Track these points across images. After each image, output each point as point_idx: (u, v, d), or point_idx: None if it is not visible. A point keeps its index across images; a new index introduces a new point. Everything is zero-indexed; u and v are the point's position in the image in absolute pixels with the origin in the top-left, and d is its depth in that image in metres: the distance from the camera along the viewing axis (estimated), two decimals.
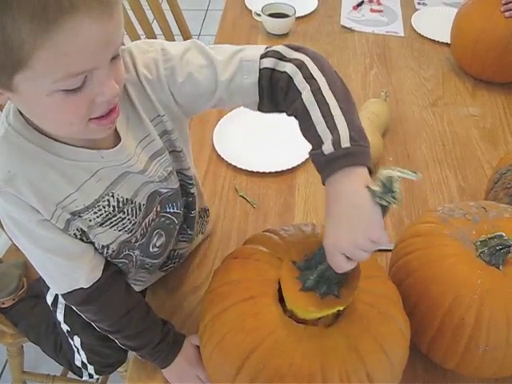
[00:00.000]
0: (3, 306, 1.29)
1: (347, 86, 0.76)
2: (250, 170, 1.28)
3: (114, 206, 0.80)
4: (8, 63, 0.57)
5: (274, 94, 0.77)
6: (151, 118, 0.80)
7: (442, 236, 0.86)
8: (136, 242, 0.89)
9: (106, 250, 0.84)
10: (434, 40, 1.75)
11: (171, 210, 0.93)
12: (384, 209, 0.67)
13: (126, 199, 0.82)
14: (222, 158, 1.30)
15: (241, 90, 0.78)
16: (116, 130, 0.75)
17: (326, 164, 0.70)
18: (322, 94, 0.72)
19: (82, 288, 0.82)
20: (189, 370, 0.91)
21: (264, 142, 1.37)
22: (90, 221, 0.79)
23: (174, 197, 0.91)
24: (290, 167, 1.28)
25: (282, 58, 0.76)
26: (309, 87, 0.73)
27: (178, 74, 0.77)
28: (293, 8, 1.71)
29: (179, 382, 0.91)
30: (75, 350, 1.18)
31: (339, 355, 0.70)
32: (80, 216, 0.77)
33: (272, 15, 1.73)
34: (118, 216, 0.82)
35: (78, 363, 1.21)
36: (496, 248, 0.82)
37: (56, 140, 0.72)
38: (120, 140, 0.76)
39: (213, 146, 1.34)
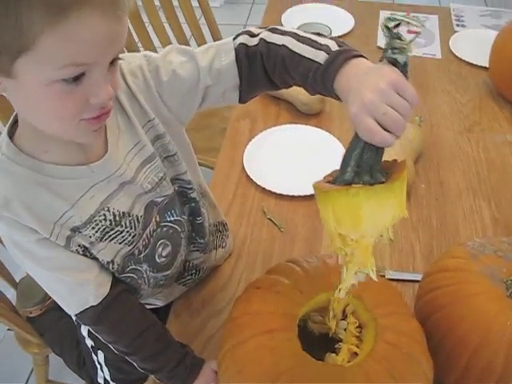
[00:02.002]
0: (30, 316, 1.30)
1: None
2: (278, 192, 1.27)
3: (110, 220, 0.82)
4: (14, 46, 0.58)
5: (254, 65, 0.80)
6: (142, 123, 0.82)
7: (471, 273, 0.84)
8: (140, 254, 0.90)
9: (111, 265, 0.86)
10: (472, 63, 1.71)
11: (171, 218, 0.93)
12: (398, 66, 0.66)
13: (123, 212, 0.83)
14: (252, 180, 1.30)
15: (221, 72, 0.81)
16: (106, 140, 0.78)
17: (326, 69, 0.72)
18: (301, 35, 0.77)
19: (92, 306, 0.83)
20: None
21: (294, 164, 1.36)
22: (90, 237, 0.81)
23: (171, 204, 0.91)
24: None
25: (252, 34, 0.81)
26: (286, 37, 0.77)
27: (163, 74, 0.80)
28: (328, 28, 1.70)
29: None
30: (98, 366, 1.18)
31: None
32: (80, 232, 0.79)
33: None
34: (115, 229, 0.83)
35: (101, 380, 1.21)
36: None
37: (47, 162, 0.74)
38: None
39: (243, 166, 1.33)
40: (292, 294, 0.77)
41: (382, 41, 1.80)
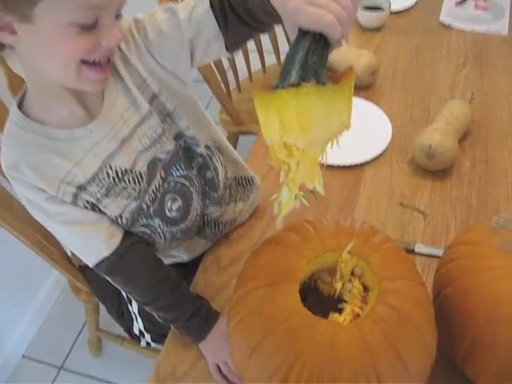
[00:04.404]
0: (81, 264, 1.36)
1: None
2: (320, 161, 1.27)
3: (113, 178, 0.87)
4: None
5: (224, 7, 0.79)
6: (138, 85, 0.86)
7: (487, 247, 0.82)
8: (148, 208, 0.94)
9: (119, 219, 0.91)
10: None
11: (178, 174, 0.95)
12: None
13: (125, 169, 0.88)
14: None
15: (200, 22, 0.81)
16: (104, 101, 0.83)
17: None
18: None
19: (106, 258, 0.89)
20: (222, 346, 0.93)
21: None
22: (96, 193, 0.86)
23: (176, 159, 0.94)
24: (358, 163, 1.27)
25: None
26: None
27: (149, 32, 0.83)
28: (388, 1, 1.67)
29: (212, 355, 0.95)
30: (134, 317, 1.24)
31: (350, 354, 0.68)
32: (85, 189, 0.85)
33: (367, 8, 1.69)
34: (119, 186, 0.88)
35: (136, 331, 1.27)
36: None
37: (51, 125, 0.81)
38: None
39: None
40: (300, 250, 0.78)
41: (444, 16, 1.74)
